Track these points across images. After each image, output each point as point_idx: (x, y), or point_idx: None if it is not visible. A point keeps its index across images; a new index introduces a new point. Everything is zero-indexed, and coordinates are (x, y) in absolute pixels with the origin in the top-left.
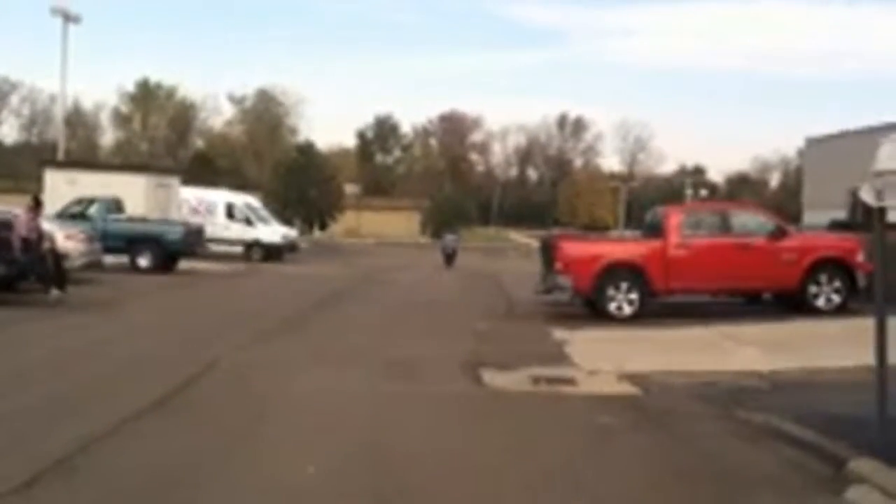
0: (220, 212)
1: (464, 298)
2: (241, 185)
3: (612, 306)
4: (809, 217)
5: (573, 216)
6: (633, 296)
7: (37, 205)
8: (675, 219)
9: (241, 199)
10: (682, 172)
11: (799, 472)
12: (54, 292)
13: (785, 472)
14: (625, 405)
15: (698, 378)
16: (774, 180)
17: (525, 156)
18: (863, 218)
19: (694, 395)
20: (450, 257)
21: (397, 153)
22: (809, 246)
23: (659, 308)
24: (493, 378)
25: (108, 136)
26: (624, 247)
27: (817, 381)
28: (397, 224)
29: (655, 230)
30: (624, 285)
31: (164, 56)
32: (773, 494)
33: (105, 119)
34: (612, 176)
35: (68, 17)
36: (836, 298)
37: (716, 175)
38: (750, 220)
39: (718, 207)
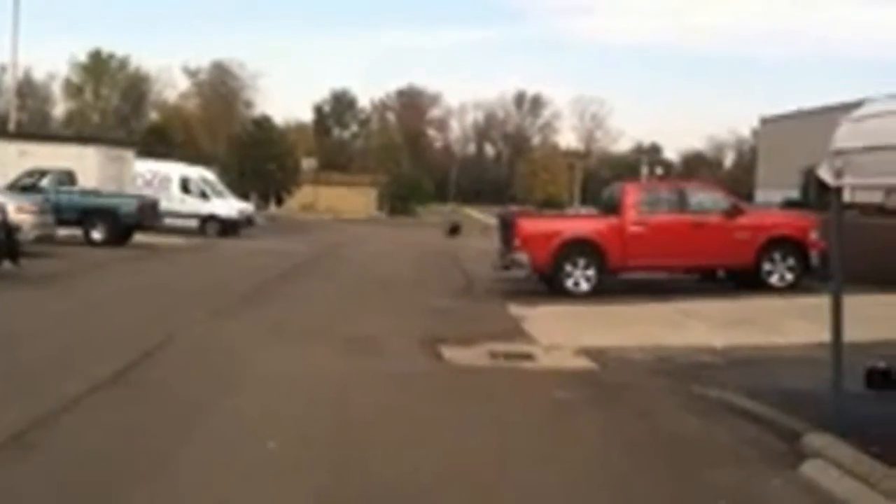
0: (174, 185)
1: (422, 275)
2: (195, 159)
3: (570, 283)
4: (762, 196)
5: (530, 193)
6: (591, 272)
7: None
8: (632, 196)
9: (196, 173)
10: (638, 150)
11: (754, 446)
12: (6, 265)
13: (740, 447)
14: (582, 380)
15: (654, 353)
16: (729, 160)
17: (483, 133)
18: (816, 197)
19: (650, 370)
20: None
21: (354, 128)
22: (764, 224)
23: (615, 285)
24: (453, 354)
25: (59, 108)
26: (581, 223)
27: (772, 357)
28: (354, 200)
29: (613, 207)
30: (581, 262)
31: (119, 27)
32: (728, 469)
33: (57, 90)
34: (569, 153)
35: None
36: (790, 276)
37: (671, 154)
38: (706, 198)
39: (675, 185)
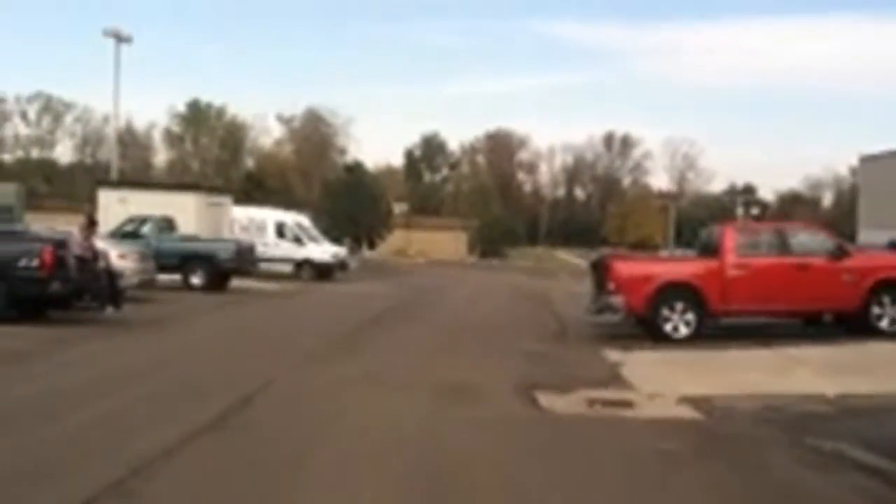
0: (270, 230)
1: (515, 319)
2: (290, 204)
3: (668, 327)
4: (865, 236)
5: (621, 235)
6: (690, 316)
7: (91, 224)
8: (731, 238)
9: (290, 218)
10: (732, 191)
11: (875, 502)
12: (109, 310)
13: (860, 502)
14: (687, 430)
15: (762, 402)
16: (827, 199)
17: (572, 175)
18: None
19: (759, 420)
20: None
21: (444, 172)
22: (872, 266)
23: (715, 330)
24: (549, 401)
25: (160, 156)
26: (679, 266)
27: (887, 406)
28: (445, 243)
29: (711, 249)
30: (679, 306)
31: (214, 76)
32: None
33: (157, 139)
34: (661, 194)
35: (120, 38)
36: None
37: (766, 193)
38: (809, 240)
39: (777, 226)
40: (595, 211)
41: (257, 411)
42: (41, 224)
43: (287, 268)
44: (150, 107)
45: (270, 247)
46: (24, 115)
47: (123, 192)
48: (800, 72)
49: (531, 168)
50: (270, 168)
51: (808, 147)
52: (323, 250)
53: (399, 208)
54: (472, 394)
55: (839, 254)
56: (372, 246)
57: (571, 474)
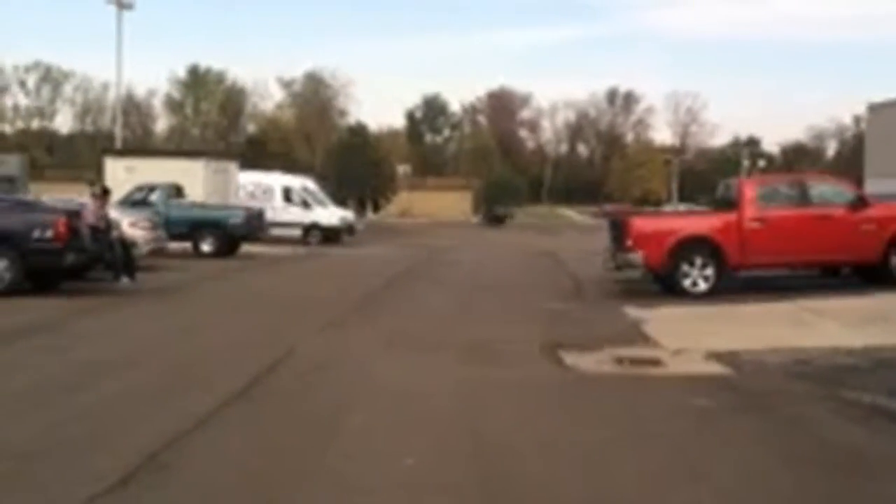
0: (277, 196)
1: (529, 278)
2: (292, 168)
3: (687, 283)
4: (872, 185)
5: (625, 191)
6: (709, 271)
7: (104, 193)
8: (750, 191)
9: (297, 183)
10: (736, 144)
11: None
12: (124, 280)
13: None
14: (719, 386)
15: (790, 356)
16: (831, 149)
17: (575, 132)
18: None
19: (789, 374)
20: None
21: (446, 132)
22: (892, 216)
23: (733, 283)
24: (575, 360)
25: (160, 124)
26: (697, 221)
27: None
28: (449, 203)
29: (729, 203)
30: (698, 261)
31: (214, 41)
32: None
33: (158, 106)
34: (664, 149)
35: (122, 5)
36: None
37: (770, 146)
38: (828, 191)
39: (796, 177)
40: (598, 167)
41: (283, 379)
42: (52, 196)
43: (295, 232)
44: (150, 74)
45: (278, 212)
46: (22, 85)
47: (130, 160)
48: (800, 20)
49: (533, 126)
50: (272, 132)
51: (811, 97)
52: (330, 214)
53: (402, 170)
54: (497, 354)
55: (859, 204)
56: (376, 209)
57: (608, 434)
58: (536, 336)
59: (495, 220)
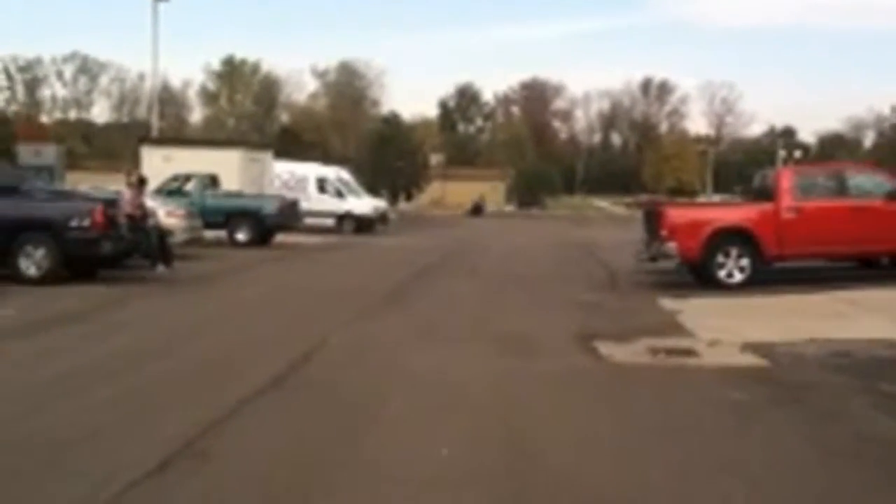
0: (311, 185)
1: (561, 268)
2: (326, 158)
3: (722, 274)
4: None
5: (659, 181)
6: (744, 262)
7: (141, 182)
8: (787, 181)
9: (331, 172)
10: (772, 134)
11: None
12: (160, 268)
13: None
14: (756, 378)
15: (827, 348)
16: (869, 140)
17: (609, 122)
18: None
19: (828, 367)
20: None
21: (479, 122)
22: None
23: (769, 275)
24: (610, 351)
25: (196, 114)
26: (733, 212)
27: None
28: (482, 193)
29: (766, 193)
30: (734, 251)
31: (248, 32)
32: None
33: (192, 97)
34: (699, 139)
35: None
36: None
37: (807, 136)
38: (866, 181)
39: (834, 168)
40: (632, 157)
41: (317, 368)
42: (88, 184)
43: (329, 222)
44: (185, 65)
45: (312, 201)
46: (60, 76)
47: (167, 149)
48: (839, 10)
49: (566, 116)
50: (305, 123)
51: (848, 87)
52: (363, 204)
53: (435, 159)
54: (530, 345)
55: None
56: (409, 198)
57: (645, 426)
58: (570, 327)
59: (475, 212)
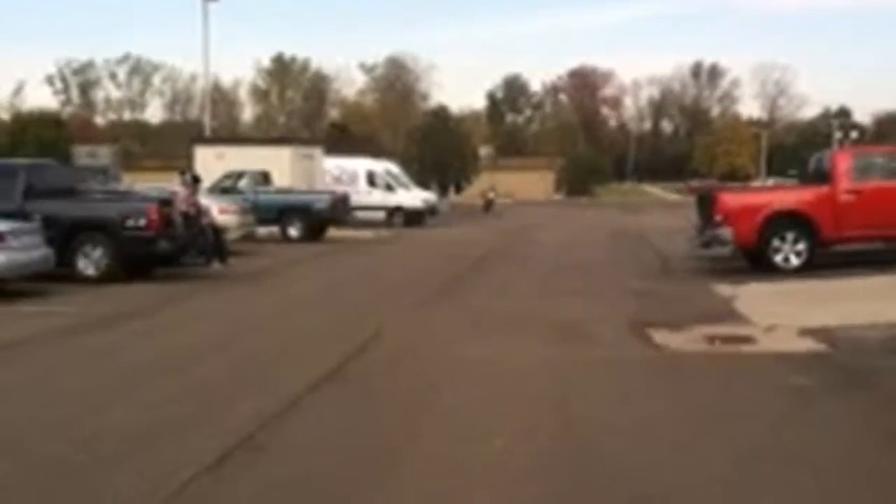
0: (361, 179)
1: (614, 257)
2: (377, 153)
3: (778, 258)
4: None
5: (711, 167)
6: (801, 246)
7: (195, 181)
8: (844, 163)
9: (381, 166)
10: (826, 116)
11: None
12: (215, 265)
13: None
14: (815, 363)
15: (888, 331)
16: None
17: (659, 108)
18: None
19: (889, 351)
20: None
21: (528, 112)
22: None
23: (826, 258)
24: (665, 339)
25: (247, 112)
26: (788, 195)
27: None
28: (532, 183)
29: (822, 176)
30: (790, 235)
31: (296, 29)
32: None
33: (243, 95)
34: (752, 123)
35: None
36: None
37: (862, 117)
38: None
39: (890, 149)
40: (683, 143)
41: (373, 360)
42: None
43: (379, 215)
44: (235, 63)
45: (363, 195)
46: (113, 77)
47: (219, 147)
48: None
49: (616, 103)
50: (355, 118)
51: None
52: (413, 196)
53: (484, 151)
54: (585, 334)
55: None
56: (459, 190)
57: (703, 414)
58: (624, 315)
59: (487, 207)
